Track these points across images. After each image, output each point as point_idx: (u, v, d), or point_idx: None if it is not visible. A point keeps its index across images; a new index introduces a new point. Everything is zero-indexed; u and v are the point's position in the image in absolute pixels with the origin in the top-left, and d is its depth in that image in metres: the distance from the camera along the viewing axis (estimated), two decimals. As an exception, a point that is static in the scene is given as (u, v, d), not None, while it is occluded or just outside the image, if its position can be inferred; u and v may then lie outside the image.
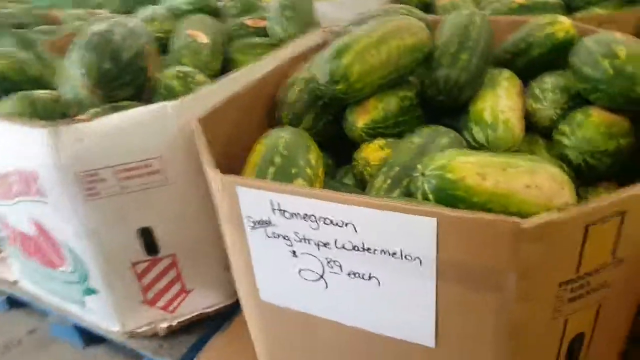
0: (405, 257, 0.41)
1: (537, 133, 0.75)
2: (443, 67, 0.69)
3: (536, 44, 0.77)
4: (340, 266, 0.45)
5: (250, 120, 0.71)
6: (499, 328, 0.42)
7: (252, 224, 0.48)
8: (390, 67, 0.68)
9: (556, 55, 0.78)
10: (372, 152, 0.65)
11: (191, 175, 0.66)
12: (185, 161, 0.65)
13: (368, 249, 0.43)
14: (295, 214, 0.44)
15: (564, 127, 0.64)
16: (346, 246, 0.44)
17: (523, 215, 0.49)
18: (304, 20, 0.87)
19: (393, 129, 0.70)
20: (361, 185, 0.67)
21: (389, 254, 0.42)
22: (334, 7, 1.09)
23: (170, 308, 0.72)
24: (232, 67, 0.90)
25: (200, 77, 0.71)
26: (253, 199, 0.46)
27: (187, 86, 0.68)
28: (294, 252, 0.47)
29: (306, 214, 0.44)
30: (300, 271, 0.48)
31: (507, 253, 0.38)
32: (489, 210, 0.48)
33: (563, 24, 0.77)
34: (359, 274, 0.45)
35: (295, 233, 0.46)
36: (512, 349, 0.43)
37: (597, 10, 0.94)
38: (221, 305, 0.76)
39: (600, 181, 0.64)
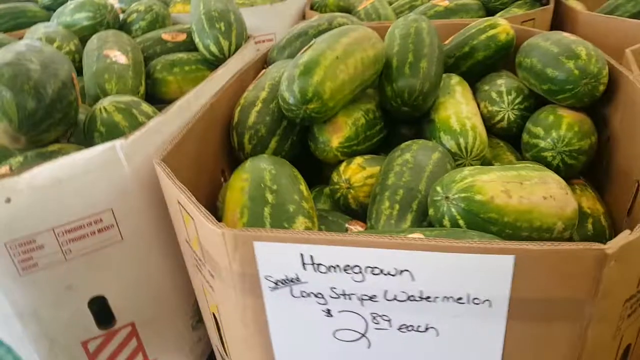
0: (472, 301, 0.36)
1: (494, 135, 0.75)
2: (405, 77, 0.66)
3: (480, 47, 0.78)
4: (390, 321, 0.39)
5: (206, 150, 0.61)
6: (569, 356, 0.39)
7: (272, 285, 0.39)
8: (357, 81, 0.63)
9: (499, 57, 0.79)
10: (355, 173, 0.60)
11: (149, 227, 0.55)
12: (142, 211, 0.54)
13: (427, 298, 0.37)
14: (333, 266, 0.37)
15: (537, 129, 0.64)
16: (399, 297, 0.37)
17: (544, 228, 0.48)
18: (240, 33, 0.78)
19: (363, 144, 0.65)
20: (344, 210, 0.61)
21: (453, 300, 0.37)
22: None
23: (133, 385, 0.60)
24: (158, 88, 0.79)
25: (145, 106, 0.59)
26: (276, 254, 0.38)
27: (134, 119, 0.56)
28: (328, 311, 0.40)
29: (348, 265, 0.37)
30: (335, 332, 0.41)
31: (589, 280, 0.35)
32: (518, 228, 0.46)
33: (503, 26, 0.78)
34: (412, 327, 0.39)
35: (332, 289, 0.38)
36: (578, 376, 0.40)
37: (515, 10, 0.98)
38: (191, 369, 0.65)
39: (571, 179, 0.65)
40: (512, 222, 0.45)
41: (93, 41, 0.77)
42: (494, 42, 0.77)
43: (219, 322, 0.50)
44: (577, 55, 0.61)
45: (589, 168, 0.66)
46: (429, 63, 0.67)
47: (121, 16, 0.93)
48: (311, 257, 0.37)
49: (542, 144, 0.63)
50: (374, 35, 0.67)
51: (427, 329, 0.39)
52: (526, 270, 0.34)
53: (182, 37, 0.87)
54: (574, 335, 0.38)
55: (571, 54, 0.62)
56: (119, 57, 0.73)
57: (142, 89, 0.73)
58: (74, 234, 0.51)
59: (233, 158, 0.67)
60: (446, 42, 0.83)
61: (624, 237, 0.34)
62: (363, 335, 0.40)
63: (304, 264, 0.38)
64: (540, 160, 0.63)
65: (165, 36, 0.86)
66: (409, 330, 0.39)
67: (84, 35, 0.86)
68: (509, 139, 0.74)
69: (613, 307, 0.37)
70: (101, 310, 0.56)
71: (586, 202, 0.61)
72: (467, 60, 0.79)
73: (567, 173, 0.63)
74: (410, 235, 0.39)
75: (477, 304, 0.36)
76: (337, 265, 0.37)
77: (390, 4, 1.16)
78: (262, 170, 0.52)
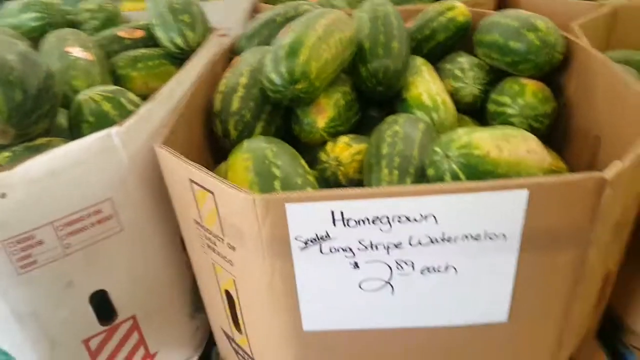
0: (488, 237, 0.42)
1: (458, 110, 0.82)
2: (379, 58, 0.71)
3: (441, 29, 0.85)
4: (413, 265, 0.44)
5: (192, 137, 0.64)
6: (570, 281, 0.45)
7: (302, 245, 0.43)
8: (338, 61, 0.67)
9: (457, 38, 0.86)
10: (343, 151, 0.64)
11: (148, 215, 0.57)
12: (141, 199, 0.56)
13: (448, 239, 0.42)
14: (362, 220, 0.42)
15: (503, 98, 0.72)
16: (422, 241, 0.42)
17: (531, 179, 0.55)
18: (204, 24, 0.81)
19: (345, 125, 0.70)
20: (334, 187, 0.65)
21: (472, 238, 0.42)
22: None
23: (134, 382, 0.61)
24: (123, 85, 0.79)
25: (131, 95, 0.61)
26: (307, 214, 0.42)
27: (123, 108, 0.58)
28: (355, 264, 0.44)
29: (376, 217, 0.41)
30: (361, 283, 0.45)
31: (590, 206, 0.41)
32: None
33: (460, 9, 0.85)
34: (434, 268, 0.44)
35: (360, 242, 0.43)
36: (575, 298, 0.47)
37: (462, -5, 1.06)
38: (191, 360, 0.67)
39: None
40: (504, 173, 0.51)
41: (50, 40, 0.77)
42: (453, 23, 0.85)
43: (236, 298, 0.52)
44: (537, 27, 0.70)
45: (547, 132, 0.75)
46: (400, 44, 0.73)
47: (69, 16, 0.93)
48: (341, 213, 0.41)
49: (510, 111, 0.70)
50: (346, 17, 0.73)
51: (447, 268, 0.44)
52: (537, 202, 0.40)
53: (140, 33, 0.88)
54: (576, 261, 0.44)
55: (531, 26, 0.70)
56: (83, 54, 0.73)
57: (109, 85, 0.73)
58: (73, 227, 0.52)
59: (215, 146, 0.70)
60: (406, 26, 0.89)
61: (617, 165, 0.41)
62: (387, 282, 0.45)
63: (334, 220, 0.42)
64: (508, 126, 0.70)
65: (122, 33, 0.87)
66: (430, 272, 0.44)
67: (32, 37, 0.85)
68: (470, 114, 0.82)
69: (604, 232, 0.44)
70: (101, 305, 0.57)
71: (551, 160, 0.70)
72: (429, 42, 0.86)
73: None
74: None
75: (492, 239, 0.42)
76: (366, 218, 0.41)
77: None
78: (263, 148, 0.55)
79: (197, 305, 0.66)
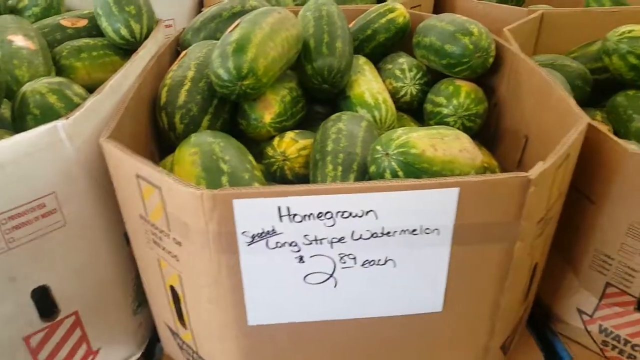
0: (425, 231, 0.44)
1: (397, 109, 0.85)
2: (324, 57, 0.72)
3: (381, 30, 0.87)
4: (355, 258, 0.45)
5: (138, 130, 0.62)
6: (499, 273, 0.48)
7: (248, 240, 0.43)
8: (284, 59, 0.68)
9: (397, 39, 0.89)
10: (289, 146, 0.65)
11: (92, 210, 0.55)
12: (85, 194, 0.54)
13: (388, 233, 0.44)
14: (307, 215, 0.42)
15: (439, 99, 0.74)
16: (364, 236, 0.44)
17: (462, 176, 0.57)
18: (150, 16, 0.78)
19: (291, 120, 0.71)
20: (280, 182, 0.66)
21: (409, 232, 0.44)
22: None
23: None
24: (66, 75, 0.76)
25: (76, 87, 0.58)
26: (254, 210, 0.42)
27: (68, 100, 0.55)
28: (300, 258, 0.45)
29: (321, 212, 0.42)
30: (306, 277, 0.46)
31: (516, 204, 0.44)
32: (443, 177, 0.54)
33: (400, 10, 0.87)
34: (374, 261, 0.45)
35: (305, 236, 0.44)
36: (504, 289, 0.49)
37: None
38: (134, 357, 0.66)
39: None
40: (439, 170, 0.53)
41: (-10, 26, 0.72)
42: (394, 24, 0.87)
43: (181, 294, 0.52)
44: (471, 32, 0.72)
45: (479, 131, 0.78)
46: (343, 43, 0.74)
47: (9, 2, 0.88)
48: (288, 208, 0.42)
49: (445, 111, 0.73)
50: (292, 16, 0.73)
51: (386, 261, 0.45)
52: (467, 199, 0.42)
53: (83, 22, 0.85)
54: (503, 254, 0.47)
55: (465, 31, 0.73)
56: (25, 43, 0.70)
57: (53, 75, 0.70)
58: (17, 221, 0.49)
59: (160, 140, 0.69)
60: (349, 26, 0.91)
61: (540, 166, 0.43)
62: (331, 275, 0.46)
63: (280, 216, 0.42)
64: (443, 125, 0.73)
65: (65, 22, 0.83)
66: (371, 265, 0.45)
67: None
68: (409, 112, 0.84)
69: (530, 227, 0.47)
70: (43, 301, 0.55)
71: (483, 158, 0.73)
72: (370, 42, 0.88)
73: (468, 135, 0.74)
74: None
75: (428, 233, 0.44)
76: (311, 214, 0.42)
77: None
78: (210, 143, 0.55)
79: (140, 301, 0.65)
